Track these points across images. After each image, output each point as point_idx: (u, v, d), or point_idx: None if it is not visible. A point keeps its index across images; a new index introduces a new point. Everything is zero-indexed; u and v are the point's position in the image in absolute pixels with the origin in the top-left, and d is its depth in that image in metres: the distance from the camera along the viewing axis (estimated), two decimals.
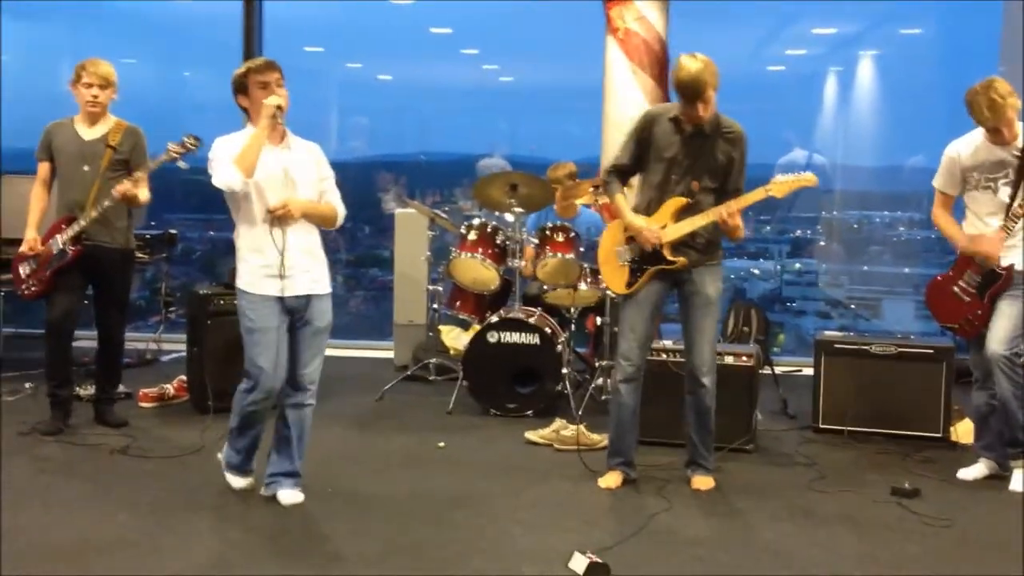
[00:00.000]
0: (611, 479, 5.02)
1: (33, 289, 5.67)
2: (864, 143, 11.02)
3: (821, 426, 5.97)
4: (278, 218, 4.44)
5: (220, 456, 4.85)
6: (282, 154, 4.52)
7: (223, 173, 4.37)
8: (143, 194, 5.60)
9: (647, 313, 4.91)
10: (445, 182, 11.52)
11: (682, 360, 5.34)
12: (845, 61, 10.80)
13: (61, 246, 5.58)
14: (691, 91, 4.58)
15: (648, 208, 4.88)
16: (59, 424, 5.72)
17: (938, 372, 5.82)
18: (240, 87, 4.50)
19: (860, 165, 11.29)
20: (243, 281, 4.51)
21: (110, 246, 5.68)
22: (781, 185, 4.76)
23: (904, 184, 11.23)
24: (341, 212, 4.70)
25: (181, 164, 5.54)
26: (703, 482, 4.98)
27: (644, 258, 4.88)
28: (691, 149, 4.77)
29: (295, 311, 4.55)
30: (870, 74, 10.76)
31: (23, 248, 5.66)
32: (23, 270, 5.72)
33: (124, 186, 5.47)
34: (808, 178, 4.75)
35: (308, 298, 4.56)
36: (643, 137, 4.87)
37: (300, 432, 4.66)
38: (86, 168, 5.62)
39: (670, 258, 4.80)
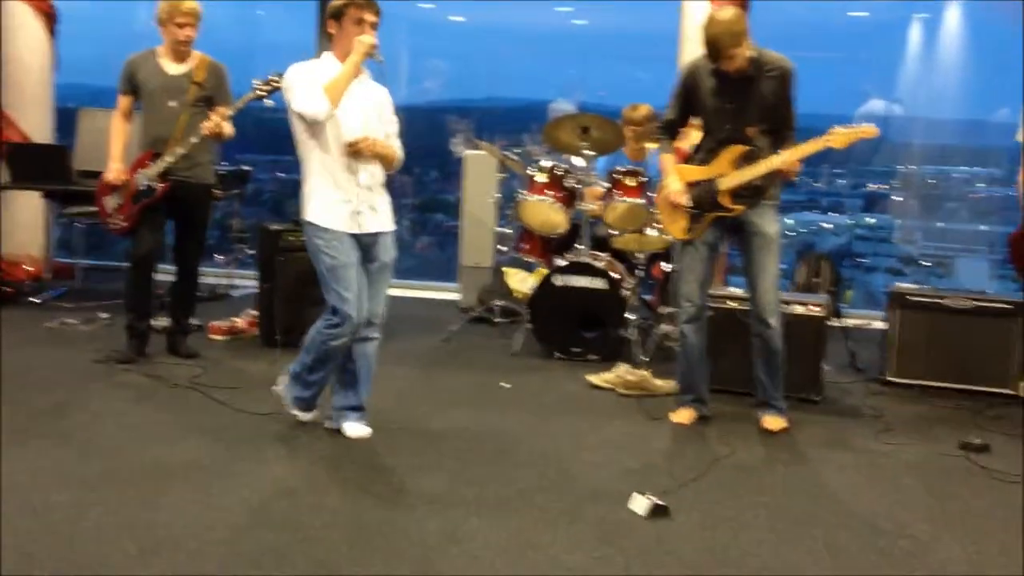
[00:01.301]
0: (683, 415, 5.10)
1: (122, 224, 5.75)
2: (947, 95, 10.73)
3: (890, 379, 5.90)
4: (356, 152, 4.44)
5: (278, 390, 4.87)
6: (360, 90, 4.52)
7: (310, 100, 4.33)
8: (228, 128, 5.64)
9: (705, 255, 4.97)
10: (514, 127, 11.46)
11: (748, 308, 5.34)
12: (931, 8, 10.50)
13: (148, 182, 5.64)
14: (711, 49, 4.67)
15: (705, 157, 4.92)
16: (136, 353, 5.84)
17: (1013, 328, 5.70)
18: (336, 14, 4.47)
19: (942, 118, 11.02)
20: (319, 216, 4.49)
21: (194, 181, 5.76)
22: (841, 136, 4.68)
23: (987, 139, 10.94)
24: (400, 157, 4.71)
25: (267, 102, 5.57)
26: (774, 422, 4.98)
27: (702, 205, 4.87)
28: (735, 94, 4.79)
29: (366, 248, 4.57)
30: (957, 22, 10.44)
31: (108, 177, 5.71)
32: (109, 204, 5.78)
33: (212, 122, 5.51)
34: (868, 129, 4.66)
35: (377, 235, 4.58)
36: (687, 90, 4.93)
37: (367, 366, 4.70)
38: (172, 103, 5.66)
39: (728, 206, 4.83)
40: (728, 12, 4.66)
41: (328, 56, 4.54)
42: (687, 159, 5.11)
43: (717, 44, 4.62)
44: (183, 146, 5.59)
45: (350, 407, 4.71)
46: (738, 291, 5.62)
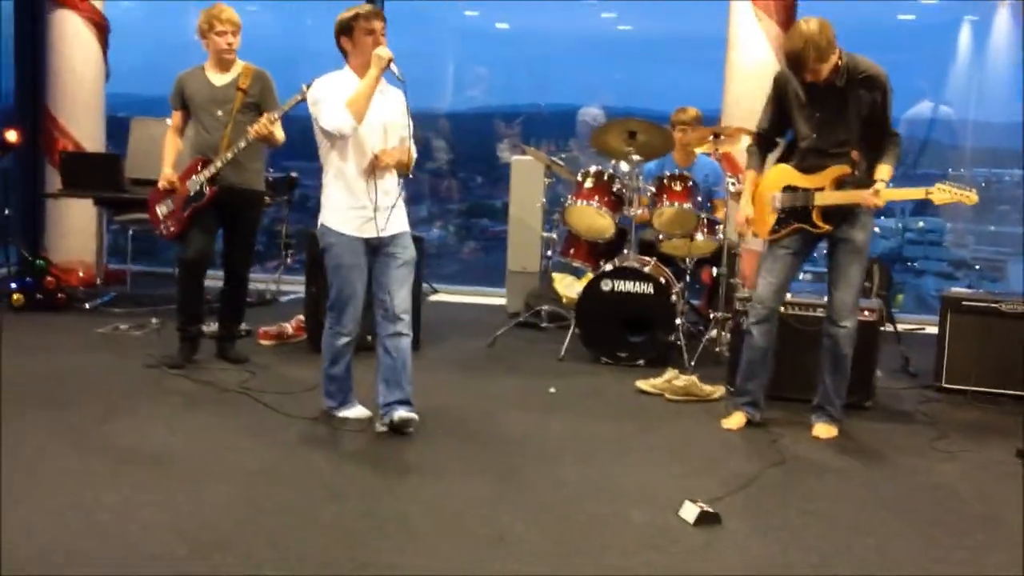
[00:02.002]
0: (735, 419, 5.06)
1: (172, 229, 5.81)
2: (998, 97, 10.57)
3: (944, 385, 5.81)
4: (377, 166, 4.65)
5: (324, 400, 5.02)
6: (378, 99, 4.63)
7: (336, 117, 4.51)
8: (279, 133, 5.67)
9: (787, 261, 4.94)
10: (560, 132, 11.44)
11: (803, 314, 5.35)
12: (981, 10, 10.34)
13: (198, 187, 5.71)
14: (792, 64, 4.60)
15: (802, 166, 4.87)
16: (186, 358, 5.89)
17: None
18: (345, 29, 4.62)
19: (992, 121, 10.85)
20: (332, 220, 4.72)
21: (243, 187, 5.81)
22: (942, 194, 4.71)
23: None
24: (414, 159, 4.91)
25: None
26: (825, 430, 4.93)
27: (793, 212, 4.85)
28: (827, 102, 4.72)
29: (380, 247, 4.74)
30: (1007, 24, 10.28)
31: (161, 183, 5.79)
32: (160, 210, 5.85)
33: (259, 125, 5.55)
34: (970, 197, 4.67)
35: (394, 236, 4.77)
36: (778, 98, 4.88)
37: (403, 361, 4.78)
38: (219, 113, 5.73)
39: (817, 223, 4.81)
40: (813, 23, 4.51)
41: (348, 71, 4.68)
42: (782, 159, 5.05)
43: (800, 58, 4.52)
44: (232, 151, 5.64)
45: (397, 401, 4.76)
46: (790, 296, 5.55)
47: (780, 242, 4.94)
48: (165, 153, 5.89)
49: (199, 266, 5.85)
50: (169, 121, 5.95)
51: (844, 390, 4.98)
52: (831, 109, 4.72)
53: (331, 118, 4.51)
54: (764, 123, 5.00)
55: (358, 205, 4.67)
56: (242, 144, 5.61)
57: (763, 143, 5.05)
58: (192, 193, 5.73)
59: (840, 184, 4.79)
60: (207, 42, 5.73)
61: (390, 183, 4.78)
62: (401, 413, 4.72)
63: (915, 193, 4.85)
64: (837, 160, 4.79)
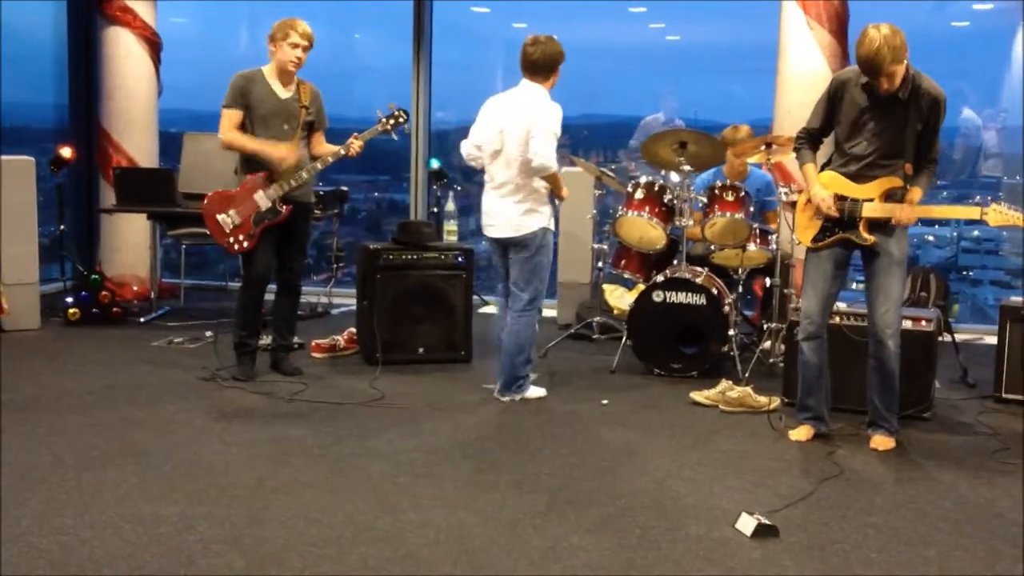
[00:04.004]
0: (802, 432, 5.01)
1: (245, 244, 5.75)
2: None
3: (1003, 395, 5.71)
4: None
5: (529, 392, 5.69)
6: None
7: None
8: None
9: (830, 272, 4.87)
10: (609, 143, 11.40)
11: (857, 324, 5.29)
12: None
13: (270, 203, 5.70)
14: (869, 68, 4.50)
15: (852, 174, 4.81)
16: (251, 371, 5.92)
17: None
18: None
19: None
20: (551, 222, 5.61)
21: (302, 200, 5.86)
22: (997, 215, 4.68)
23: None
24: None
25: (394, 136, 5.90)
26: (882, 442, 4.85)
27: (837, 221, 4.78)
28: (884, 114, 4.67)
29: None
30: None
31: (287, 160, 5.65)
32: (224, 222, 5.74)
33: (352, 149, 5.74)
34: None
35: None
36: (833, 100, 4.82)
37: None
38: (285, 127, 5.73)
39: (864, 235, 4.76)
40: (884, 27, 4.44)
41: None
42: (824, 166, 4.99)
43: (876, 60, 4.41)
44: (308, 171, 5.71)
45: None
46: (844, 306, 5.49)
47: (821, 252, 4.87)
48: (247, 142, 5.66)
49: (266, 281, 5.91)
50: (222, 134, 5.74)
51: (896, 405, 4.90)
52: (891, 121, 4.65)
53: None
54: (816, 122, 4.92)
55: None
56: (319, 166, 5.73)
57: (811, 141, 4.97)
58: (264, 209, 5.71)
59: (889, 197, 4.73)
60: (275, 49, 5.67)
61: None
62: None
63: (969, 212, 4.80)
64: (888, 172, 4.74)
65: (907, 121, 4.63)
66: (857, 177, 4.79)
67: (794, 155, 5.08)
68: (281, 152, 5.67)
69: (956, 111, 9.73)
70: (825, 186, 4.86)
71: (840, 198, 4.80)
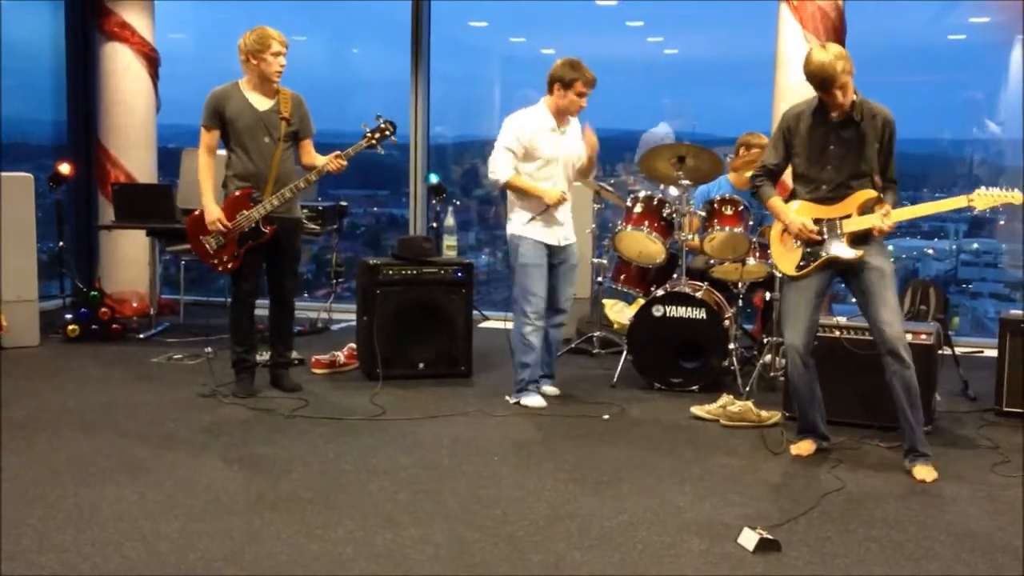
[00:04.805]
0: (803, 446, 5.01)
1: (230, 266, 5.75)
2: None
3: (1004, 408, 5.70)
4: None
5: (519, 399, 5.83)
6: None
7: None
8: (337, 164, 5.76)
9: (811, 299, 4.84)
10: (607, 157, 11.41)
11: (856, 337, 5.26)
12: None
13: (254, 224, 5.68)
14: (820, 80, 4.57)
15: (820, 198, 4.81)
16: (251, 387, 5.91)
17: None
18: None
19: None
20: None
21: (287, 216, 5.83)
22: (984, 198, 4.63)
23: None
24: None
25: (379, 150, 5.80)
26: (926, 472, 4.66)
27: (821, 244, 4.78)
28: (842, 137, 4.73)
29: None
30: None
31: (213, 225, 5.64)
32: (209, 244, 5.75)
33: (334, 164, 5.69)
34: (1016, 196, 4.60)
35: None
36: (789, 135, 4.86)
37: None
38: (267, 140, 5.68)
39: (849, 249, 4.74)
40: (831, 45, 4.63)
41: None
42: (790, 197, 5.00)
43: (828, 70, 4.50)
44: (290, 190, 5.67)
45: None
46: (842, 319, 5.49)
47: (802, 281, 4.84)
48: (204, 182, 5.68)
49: (254, 297, 5.89)
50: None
51: (923, 422, 4.83)
52: (851, 141, 4.71)
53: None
54: (773, 158, 4.93)
55: None
56: (301, 185, 5.69)
57: (770, 176, 4.97)
58: (247, 230, 5.69)
59: (865, 210, 4.74)
60: (256, 63, 5.61)
61: None
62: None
63: (956, 202, 4.72)
64: (859, 189, 4.77)
65: (865, 140, 4.70)
66: (828, 200, 4.80)
67: (753, 192, 5.07)
68: (213, 218, 5.63)
69: (962, 123, 9.76)
70: (799, 214, 4.86)
71: (817, 221, 4.80)
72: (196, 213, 5.80)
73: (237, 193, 5.70)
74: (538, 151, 5.71)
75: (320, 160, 5.79)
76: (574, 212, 6.11)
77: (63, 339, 7.38)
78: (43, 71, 9.06)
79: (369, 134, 5.72)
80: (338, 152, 5.71)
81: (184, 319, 8.40)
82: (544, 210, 5.72)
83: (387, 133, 5.74)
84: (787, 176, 5.15)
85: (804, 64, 4.63)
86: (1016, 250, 10.80)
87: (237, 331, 5.93)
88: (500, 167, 5.73)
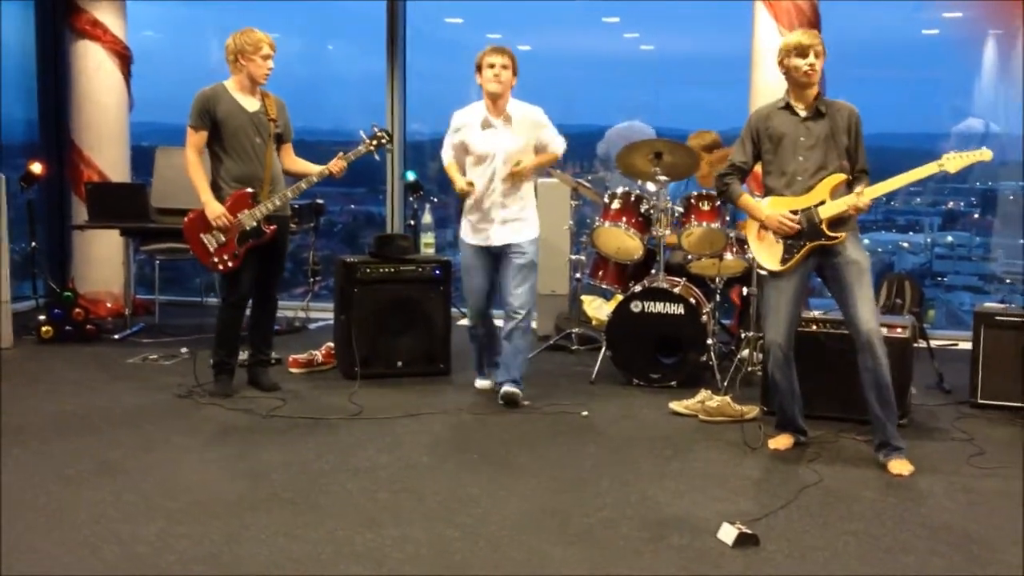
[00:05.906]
0: (781, 441, 5.04)
1: (230, 265, 5.70)
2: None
3: (979, 401, 5.75)
4: None
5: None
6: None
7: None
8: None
9: (791, 294, 4.86)
10: (585, 153, 11.41)
11: (832, 332, 5.29)
12: (1007, 24, 10.26)
13: (255, 223, 5.67)
14: (800, 46, 4.71)
15: (793, 191, 4.84)
16: (229, 388, 5.88)
17: None
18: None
19: (1016, 133, 10.76)
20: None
21: (280, 215, 5.84)
22: (955, 160, 4.63)
23: None
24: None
25: (376, 156, 5.96)
26: (902, 466, 4.68)
27: (801, 234, 4.78)
28: (811, 129, 4.79)
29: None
30: None
31: (218, 220, 5.59)
32: (208, 242, 5.67)
33: (338, 168, 5.77)
34: (983, 154, 4.61)
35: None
36: (756, 133, 4.91)
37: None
38: (258, 140, 5.68)
39: (831, 234, 4.74)
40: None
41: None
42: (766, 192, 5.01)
43: (805, 37, 4.72)
44: (293, 190, 5.74)
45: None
46: (818, 313, 5.52)
47: (783, 274, 4.85)
48: (198, 180, 5.63)
49: (247, 299, 5.89)
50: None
51: (896, 418, 4.83)
52: (819, 133, 4.77)
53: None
54: (741, 156, 4.95)
55: None
56: (303, 186, 5.76)
57: (740, 174, 4.99)
58: (248, 228, 5.67)
59: (837, 195, 4.75)
60: (244, 64, 5.60)
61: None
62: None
63: (928, 169, 4.65)
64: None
65: (833, 130, 4.76)
66: (801, 191, 4.82)
67: (720, 191, 5.06)
68: (216, 214, 5.59)
69: (938, 119, 9.81)
70: (772, 208, 4.87)
71: (793, 212, 4.81)
72: (193, 213, 5.72)
73: (238, 192, 5.66)
74: (470, 147, 5.78)
75: (300, 163, 5.89)
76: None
77: (37, 340, 7.32)
78: (13, 69, 8.95)
79: (367, 141, 5.81)
80: (342, 153, 5.77)
81: (159, 319, 8.34)
82: (472, 207, 5.83)
83: (383, 141, 5.86)
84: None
85: (782, 43, 4.78)
86: (992, 243, 10.89)
87: (224, 334, 5.88)
88: (443, 154, 5.96)
